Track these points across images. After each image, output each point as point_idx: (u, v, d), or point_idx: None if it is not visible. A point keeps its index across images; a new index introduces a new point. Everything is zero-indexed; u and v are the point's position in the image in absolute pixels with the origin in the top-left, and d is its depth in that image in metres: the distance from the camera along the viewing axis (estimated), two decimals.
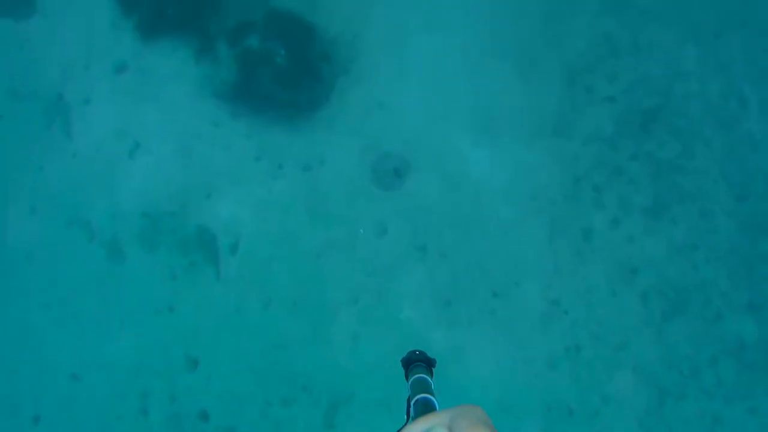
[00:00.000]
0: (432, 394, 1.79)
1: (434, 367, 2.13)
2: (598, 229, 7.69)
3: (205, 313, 7.38)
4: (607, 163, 7.90)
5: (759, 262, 7.83)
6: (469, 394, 7.14)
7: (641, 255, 7.80)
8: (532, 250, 7.50)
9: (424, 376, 1.97)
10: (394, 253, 7.31)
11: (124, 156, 8.10)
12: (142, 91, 8.44)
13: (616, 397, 7.39)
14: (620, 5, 8.43)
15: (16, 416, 7.46)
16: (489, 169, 7.61)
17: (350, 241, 7.36)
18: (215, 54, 8.40)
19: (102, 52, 8.82)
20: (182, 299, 7.46)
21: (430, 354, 2.18)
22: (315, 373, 7.21)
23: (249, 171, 7.73)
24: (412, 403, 1.76)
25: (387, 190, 7.50)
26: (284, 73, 7.91)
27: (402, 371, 2.14)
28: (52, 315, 7.67)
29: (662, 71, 8.31)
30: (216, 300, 7.40)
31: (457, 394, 6.68)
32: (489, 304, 7.37)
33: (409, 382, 1.96)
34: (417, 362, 2.10)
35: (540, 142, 7.79)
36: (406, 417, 1.76)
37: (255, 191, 7.65)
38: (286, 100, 7.75)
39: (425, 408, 1.69)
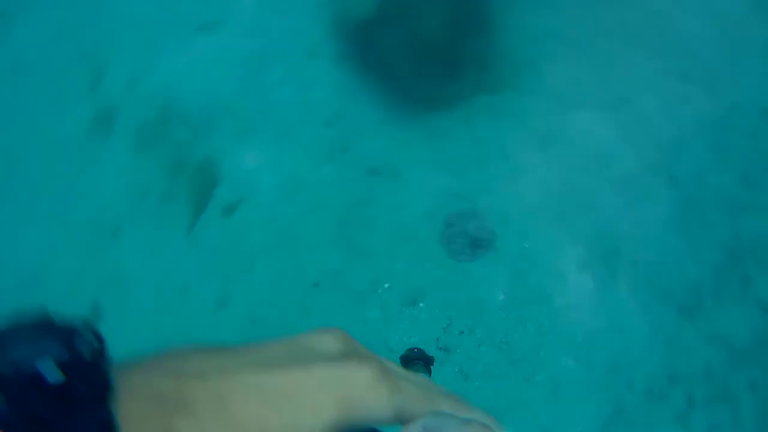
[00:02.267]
0: None
1: (432, 365, 1.96)
2: None
3: (145, 263, 5.09)
4: (718, 379, 5.44)
5: None
6: None
7: None
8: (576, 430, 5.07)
9: (424, 374, 1.83)
10: (405, 334, 4.94)
11: (189, 23, 5.89)
12: None
13: None
14: None
15: None
16: (580, 306, 5.21)
17: (364, 290, 5.01)
18: None
19: None
20: (132, 229, 5.19)
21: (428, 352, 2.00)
22: None
23: (307, 131, 5.44)
24: None
25: (448, 257, 5.15)
26: (421, 42, 5.58)
27: None
28: None
29: None
30: (167, 257, 5.10)
31: None
32: None
33: None
34: (415, 360, 1.94)
35: (657, 309, 5.38)
36: None
37: (298, 159, 5.35)
38: (404, 76, 5.42)
39: None
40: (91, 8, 5.94)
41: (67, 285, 5.07)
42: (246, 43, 5.75)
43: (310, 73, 5.60)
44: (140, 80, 5.66)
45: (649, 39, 6.07)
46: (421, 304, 5.06)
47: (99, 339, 0.43)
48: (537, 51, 5.84)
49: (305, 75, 5.59)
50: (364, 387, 0.55)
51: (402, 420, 0.58)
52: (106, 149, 5.42)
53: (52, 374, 0.36)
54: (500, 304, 5.13)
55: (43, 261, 5.09)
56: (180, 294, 5.01)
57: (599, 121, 5.61)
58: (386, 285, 5.07)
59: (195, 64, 5.69)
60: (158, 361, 0.49)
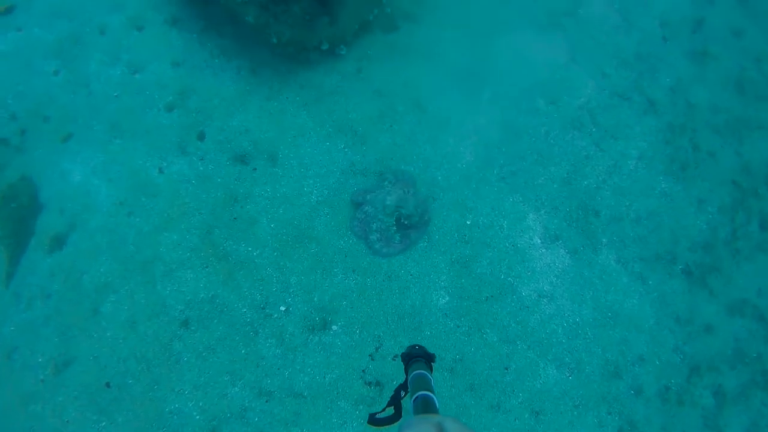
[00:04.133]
0: (432, 390, 1.70)
1: (434, 362, 2.00)
2: None
3: None
4: (751, 359, 3.91)
5: None
6: None
7: None
8: None
9: (424, 372, 1.85)
10: (318, 371, 3.36)
11: None
12: None
13: None
14: None
15: None
16: (556, 292, 3.67)
17: (252, 319, 3.44)
18: None
19: None
20: None
21: (429, 350, 2.03)
22: None
23: (147, 120, 3.89)
24: (412, 400, 1.67)
25: (371, 253, 3.59)
26: None
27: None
28: None
29: None
30: None
31: None
32: None
33: (409, 378, 1.84)
34: (417, 357, 1.98)
35: (658, 278, 3.85)
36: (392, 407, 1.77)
37: (139, 158, 3.79)
38: (260, 26, 3.85)
39: (425, 404, 1.63)
40: None
41: None
42: (53, 26, 4.20)
43: (139, 48, 4.07)
44: None
45: None
46: (334, 327, 3.48)
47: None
48: None
49: (134, 51, 4.07)
50: None
51: None
52: None
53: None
54: (444, 309, 3.56)
55: None
56: (5, 361, 3.44)
57: (539, 45, 4.07)
58: (282, 308, 3.50)
59: None
60: None
